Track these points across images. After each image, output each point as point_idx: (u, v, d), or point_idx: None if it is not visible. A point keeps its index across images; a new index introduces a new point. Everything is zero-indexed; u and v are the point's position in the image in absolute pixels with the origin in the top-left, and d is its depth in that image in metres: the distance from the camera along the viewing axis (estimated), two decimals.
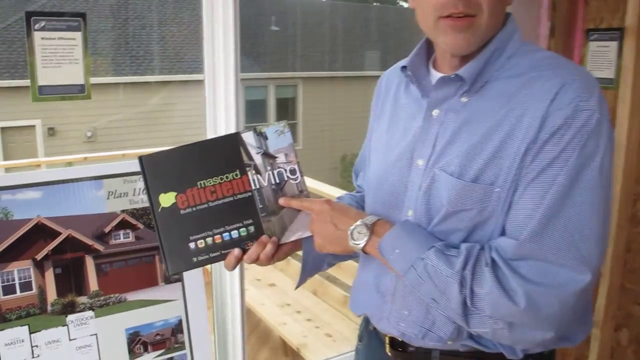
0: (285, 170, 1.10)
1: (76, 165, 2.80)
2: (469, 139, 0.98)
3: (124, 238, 1.43)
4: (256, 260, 1.09)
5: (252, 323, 4.14)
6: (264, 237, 1.08)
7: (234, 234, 1.06)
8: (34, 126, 10.62)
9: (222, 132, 1.80)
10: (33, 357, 1.35)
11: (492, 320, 0.92)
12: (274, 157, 1.10)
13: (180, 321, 1.50)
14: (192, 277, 1.52)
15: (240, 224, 1.06)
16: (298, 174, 1.11)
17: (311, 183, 4.15)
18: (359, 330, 1.29)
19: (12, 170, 6.20)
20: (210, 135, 1.81)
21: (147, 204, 1.42)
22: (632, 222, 2.02)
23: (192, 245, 1.05)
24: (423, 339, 1.05)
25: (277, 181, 1.09)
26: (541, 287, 0.90)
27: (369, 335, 1.23)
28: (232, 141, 1.08)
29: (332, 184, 4.46)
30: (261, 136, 1.10)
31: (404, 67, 1.11)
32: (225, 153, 1.07)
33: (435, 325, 1.04)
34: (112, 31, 11.40)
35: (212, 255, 1.06)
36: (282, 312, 3.69)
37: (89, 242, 1.40)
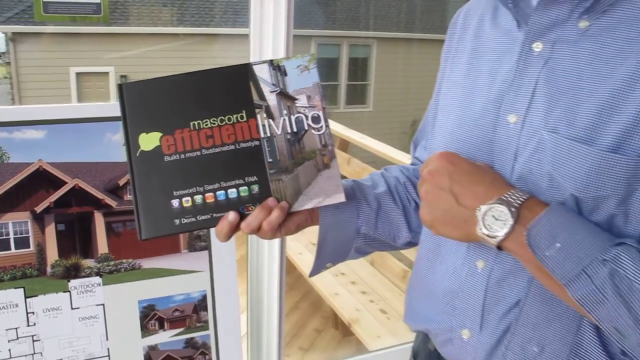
0: (307, 116, 0.85)
1: None
2: (598, 86, 0.66)
3: None
4: (257, 230, 0.82)
5: (304, 289, 3.96)
6: (270, 200, 0.82)
7: (232, 193, 0.83)
8: (107, 73, 10.74)
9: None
10: (28, 325, 1.15)
11: None
12: (293, 99, 0.85)
13: (204, 297, 1.27)
14: (222, 245, 1.28)
15: (242, 181, 0.83)
16: (322, 122, 0.85)
17: (379, 147, 3.86)
18: (414, 344, 1.00)
19: None
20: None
21: None
22: None
23: (175, 203, 0.82)
24: None
25: (295, 130, 0.85)
26: None
27: (428, 356, 0.94)
28: (240, 74, 0.85)
29: (402, 149, 4.14)
30: (278, 71, 0.86)
31: None
32: (230, 88, 0.84)
33: None
34: None
35: (200, 218, 0.82)
36: (336, 281, 3.47)
37: (100, 195, 1.17)
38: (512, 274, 0.74)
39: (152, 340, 1.23)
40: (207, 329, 1.28)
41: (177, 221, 0.82)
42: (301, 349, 3.48)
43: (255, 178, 0.84)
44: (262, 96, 0.85)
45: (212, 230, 1.20)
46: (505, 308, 0.75)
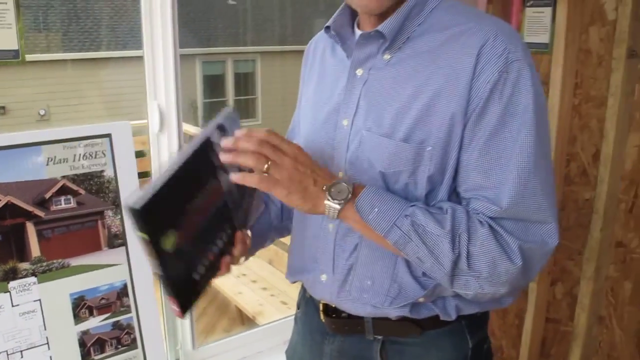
0: None
1: None
2: (396, 98, 0.97)
3: (65, 204, 1.43)
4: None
5: (210, 294, 4.17)
6: (239, 234, 1.02)
7: (219, 243, 0.97)
8: None
9: (164, 107, 1.79)
10: None
11: (484, 281, 0.91)
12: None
13: (125, 285, 1.52)
14: (136, 241, 1.54)
15: (222, 232, 0.98)
16: None
17: None
18: (298, 299, 1.31)
19: None
20: (154, 112, 1.79)
21: (87, 170, 1.45)
22: (565, 182, 2.11)
23: (196, 277, 0.93)
24: (390, 306, 1.04)
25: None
26: (530, 244, 0.91)
27: (306, 302, 1.25)
28: (204, 149, 0.92)
29: None
30: (221, 130, 0.97)
31: (327, 28, 1.09)
32: (200, 165, 0.92)
33: (402, 293, 1.02)
34: (62, 6, 11.07)
35: (210, 274, 0.97)
36: (239, 281, 3.74)
37: (29, 208, 1.40)
38: (351, 230, 1.05)
39: (84, 326, 1.47)
40: (129, 312, 1.53)
41: (199, 287, 0.95)
42: None
43: (229, 224, 1.00)
44: (217, 158, 0.93)
45: (128, 228, 1.47)
46: (347, 254, 1.07)
